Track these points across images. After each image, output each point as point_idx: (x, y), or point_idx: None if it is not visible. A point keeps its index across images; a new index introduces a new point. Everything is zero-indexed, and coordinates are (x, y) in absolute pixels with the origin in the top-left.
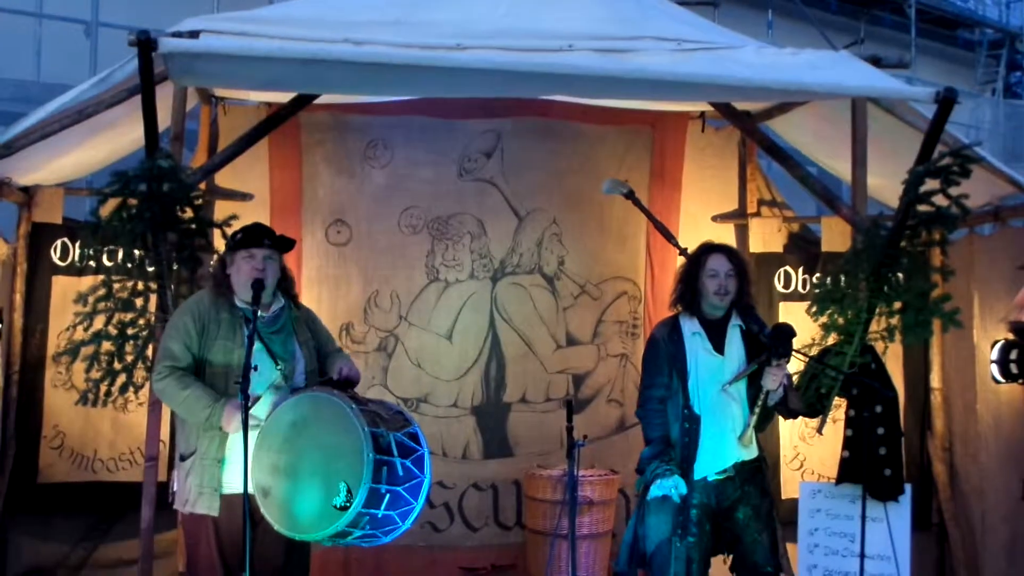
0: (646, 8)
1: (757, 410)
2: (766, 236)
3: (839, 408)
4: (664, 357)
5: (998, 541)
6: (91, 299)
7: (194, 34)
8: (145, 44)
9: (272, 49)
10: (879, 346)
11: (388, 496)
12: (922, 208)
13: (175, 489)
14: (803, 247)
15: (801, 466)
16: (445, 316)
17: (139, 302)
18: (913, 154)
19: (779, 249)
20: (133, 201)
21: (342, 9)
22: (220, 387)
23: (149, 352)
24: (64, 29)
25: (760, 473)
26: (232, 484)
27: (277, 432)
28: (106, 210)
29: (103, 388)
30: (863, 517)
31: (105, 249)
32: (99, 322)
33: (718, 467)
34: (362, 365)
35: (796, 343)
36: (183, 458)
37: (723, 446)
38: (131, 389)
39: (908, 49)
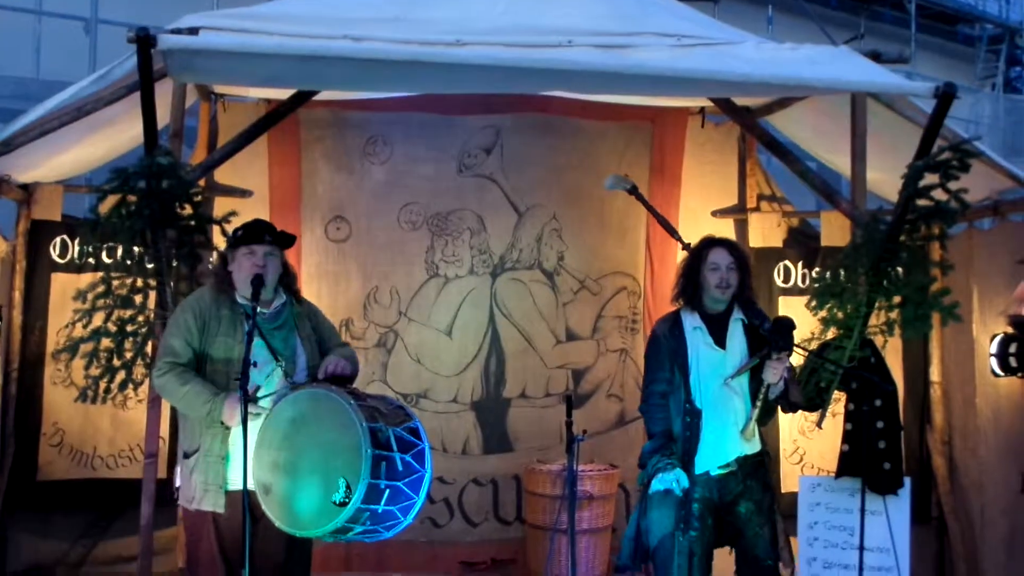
0: (646, 4)
1: (759, 404)
2: (765, 231)
3: (838, 402)
4: (665, 352)
5: (997, 534)
6: (90, 296)
7: (193, 31)
8: (144, 41)
9: (271, 46)
10: (878, 340)
11: (388, 491)
12: (921, 203)
13: (179, 485)
14: (802, 242)
15: (801, 460)
16: (445, 312)
17: (138, 299)
18: (912, 149)
19: (779, 244)
20: (132, 198)
21: (341, 6)
22: (221, 383)
23: (148, 349)
24: (63, 26)
25: (763, 467)
26: (236, 481)
27: (277, 429)
28: (105, 207)
29: (102, 385)
30: (863, 511)
31: (104, 246)
32: (98, 319)
33: (720, 461)
34: (362, 361)
35: (796, 337)
36: (187, 455)
37: (725, 440)
38: (130, 386)
39: (908, 44)
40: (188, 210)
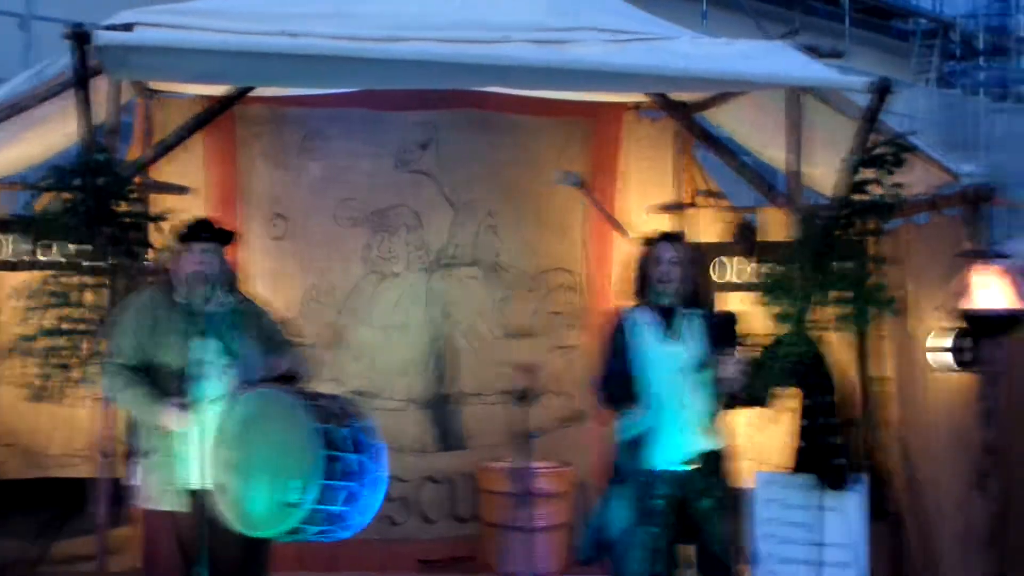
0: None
1: (720, 400)
2: (704, 226)
3: (792, 398)
4: (616, 346)
5: (953, 529)
6: (33, 295)
7: (129, 27)
8: (79, 37)
9: (207, 42)
10: (824, 336)
11: (343, 492)
12: (858, 197)
13: (136, 484)
14: (742, 236)
15: (754, 456)
16: (384, 309)
17: (82, 296)
18: (849, 143)
19: (717, 239)
20: (68, 195)
21: (279, 1)
22: (171, 383)
23: (94, 347)
24: None
25: (724, 463)
26: (193, 480)
27: (230, 428)
28: (41, 204)
29: (53, 384)
30: (818, 507)
31: (39, 244)
32: (43, 318)
33: (680, 457)
34: None
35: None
36: (144, 455)
37: (685, 436)
38: (80, 384)
39: (843, 39)
40: (124, 207)
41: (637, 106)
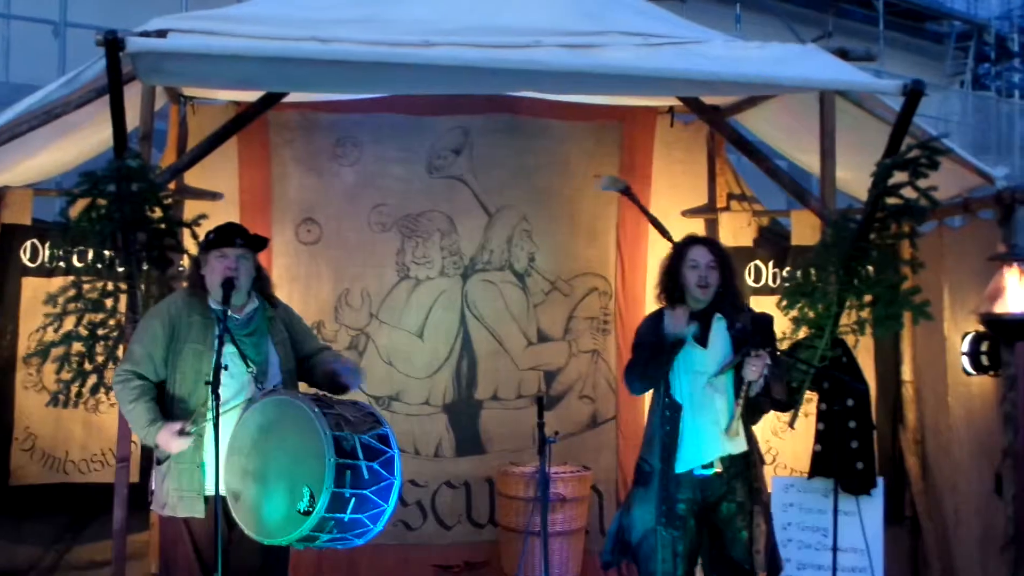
0: (612, 3)
1: (740, 401)
2: (736, 230)
3: (811, 402)
4: (651, 325)
5: (971, 534)
6: (61, 300)
7: (162, 33)
8: (112, 44)
9: (239, 48)
10: (850, 339)
11: (354, 500)
12: (891, 201)
13: (153, 489)
14: (773, 241)
15: (773, 460)
16: (416, 314)
17: (109, 303)
18: (882, 147)
19: (749, 243)
20: (102, 201)
21: (310, 7)
22: (189, 390)
23: (120, 353)
24: (32, 29)
25: (749, 468)
26: (210, 487)
27: (247, 436)
28: (75, 211)
29: (74, 389)
30: (835, 511)
31: (75, 250)
32: (69, 323)
33: (702, 460)
34: None
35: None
36: (159, 461)
37: (707, 439)
38: (102, 390)
39: (876, 42)
40: (158, 213)
41: (669, 110)
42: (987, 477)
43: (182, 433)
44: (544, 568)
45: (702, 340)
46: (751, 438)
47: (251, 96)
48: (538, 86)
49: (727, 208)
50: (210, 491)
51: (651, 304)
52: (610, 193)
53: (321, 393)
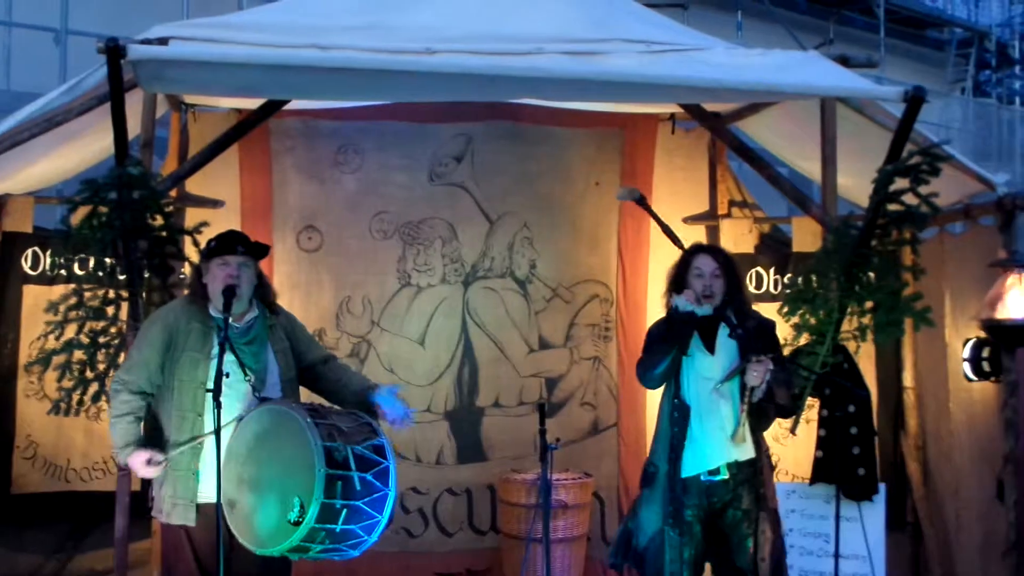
0: (614, 10)
1: (744, 407)
2: (737, 237)
3: (812, 408)
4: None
5: (972, 540)
6: (62, 308)
7: (163, 41)
8: (114, 51)
9: (241, 55)
10: (851, 345)
11: (345, 511)
12: (892, 207)
13: (153, 495)
14: (774, 248)
15: (775, 467)
16: (417, 321)
17: (110, 310)
18: (883, 153)
19: (750, 250)
20: (103, 209)
21: (312, 14)
22: (187, 398)
23: (121, 360)
24: (33, 37)
25: (756, 475)
26: (207, 494)
27: (243, 444)
28: (76, 218)
29: (75, 397)
30: (837, 517)
31: (76, 258)
32: (71, 331)
33: (709, 465)
34: None
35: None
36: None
37: (713, 444)
38: (103, 398)
39: (877, 49)
40: (159, 221)
41: (671, 117)
42: (988, 483)
43: (150, 463)
44: (546, 574)
45: (709, 347)
46: (759, 444)
47: (252, 103)
48: (540, 93)
49: (728, 215)
50: (202, 499)
51: (653, 311)
52: (611, 200)
53: (317, 403)
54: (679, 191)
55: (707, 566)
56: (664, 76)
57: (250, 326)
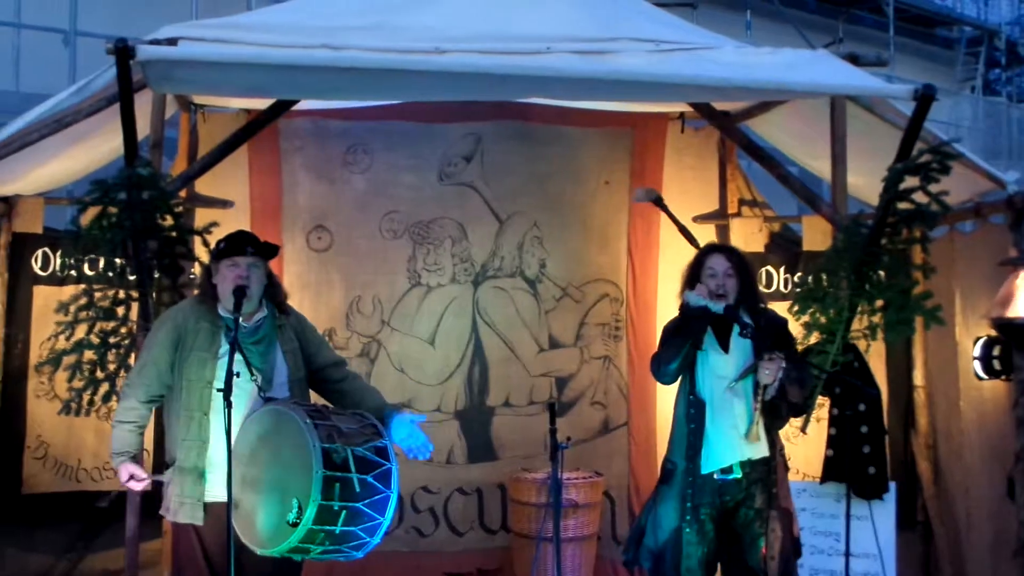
0: (622, 9)
1: (757, 405)
2: (747, 236)
3: (823, 407)
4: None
5: (983, 538)
6: (72, 308)
7: (172, 41)
8: (123, 52)
9: (250, 55)
10: (861, 344)
11: (344, 513)
12: (902, 206)
13: (163, 495)
14: (784, 246)
15: (786, 465)
16: (427, 321)
17: (120, 311)
18: (893, 152)
19: (760, 249)
20: (113, 209)
21: (321, 15)
22: (195, 398)
23: (132, 360)
24: (42, 38)
25: (770, 474)
26: (213, 493)
27: (246, 444)
28: (86, 219)
29: (86, 397)
30: (848, 516)
31: (86, 258)
32: (81, 331)
33: (723, 463)
34: None
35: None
36: (166, 467)
37: (727, 443)
38: (114, 398)
39: (887, 47)
40: (169, 221)
41: (680, 116)
42: (999, 481)
43: (134, 479)
44: (557, 574)
45: (724, 346)
46: (773, 443)
47: (262, 104)
48: (550, 92)
49: (738, 214)
50: (210, 498)
51: (663, 310)
52: (621, 199)
53: (320, 404)
54: (689, 190)
55: (717, 566)
56: (674, 75)
57: (258, 326)
